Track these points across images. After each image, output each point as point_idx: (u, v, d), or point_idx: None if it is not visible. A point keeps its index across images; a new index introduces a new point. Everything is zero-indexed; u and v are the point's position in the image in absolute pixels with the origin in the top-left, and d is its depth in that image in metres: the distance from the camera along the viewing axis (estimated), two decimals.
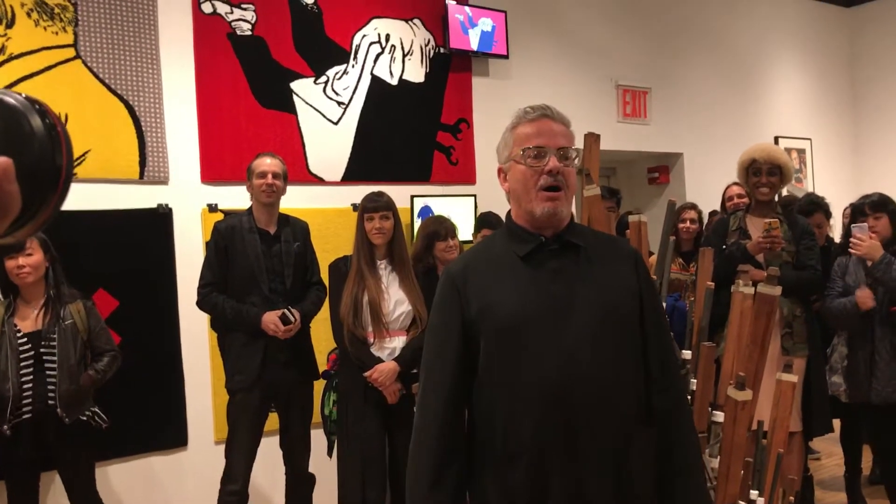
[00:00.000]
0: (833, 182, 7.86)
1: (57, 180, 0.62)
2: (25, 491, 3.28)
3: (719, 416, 2.45)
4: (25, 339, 3.19)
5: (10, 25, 3.73)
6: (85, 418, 3.29)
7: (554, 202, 1.67)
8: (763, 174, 3.84)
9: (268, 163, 3.57)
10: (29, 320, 3.25)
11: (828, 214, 4.66)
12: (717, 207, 5.25)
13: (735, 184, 4.79)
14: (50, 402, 3.18)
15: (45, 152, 0.61)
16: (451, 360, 1.68)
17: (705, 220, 5.02)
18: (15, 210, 0.58)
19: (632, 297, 1.71)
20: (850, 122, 8.38)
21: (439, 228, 3.93)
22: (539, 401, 1.60)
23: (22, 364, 3.15)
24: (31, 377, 3.17)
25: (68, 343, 3.24)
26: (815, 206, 4.58)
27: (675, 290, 4.34)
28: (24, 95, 0.62)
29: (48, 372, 3.20)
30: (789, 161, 3.95)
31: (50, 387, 3.19)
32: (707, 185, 6.23)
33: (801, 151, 7.77)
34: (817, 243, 3.93)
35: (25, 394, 3.14)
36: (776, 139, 7.42)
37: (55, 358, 3.20)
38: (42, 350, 3.20)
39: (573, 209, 2.21)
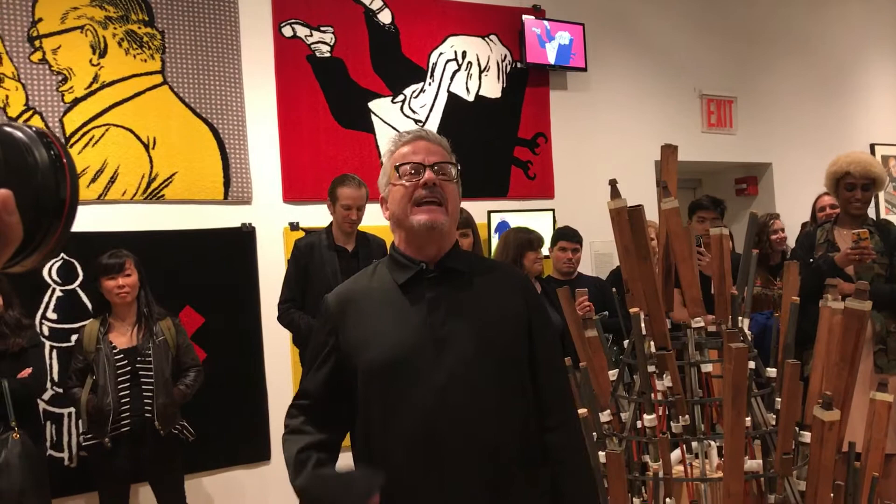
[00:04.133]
0: None
1: (61, 211, 0.64)
2: (117, 501, 3.40)
3: (806, 437, 2.34)
4: (122, 356, 3.33)
5: (102, 55, 3.91)
6: (176, 431, 3.41)
7: (430, 214, 1.59)
8: (858, 189, 3.67)
9: (354, 196, 3.60)
10: (124, 337, 3.39)
11: None
12: (808, 218, 5.05)
13: (826, 194, 4.59)
14: (147, 414, 3.31)
15: (48, 184, 0.63)
16: (321, 383, 1.66)
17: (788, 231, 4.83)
18: (16, 240, 0.61)
19: (517, 328, 1.63)
20: None
21: (532, 238, 3.85)
22: (411, 441, 1.53)
23: (119, 379, 3.29)
24: (128, 391, 3.31)
25: (162, 358, 3.37)
26: None
27: (759, 306, 4.17)
28: (34, 129, 0.65)
29: (144, 386, 3.33)
30: (883, 171, 3.76)
31: (146, 400, 3.32)
32: (797, 195, 6.01)
33: None
34: None
35: (123, 407, 3.28)
36: (871, 147, 7.10)
37: (151, 373, 3.34)
38: (138, 365, 3.34)
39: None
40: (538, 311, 1.70)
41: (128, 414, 3.29)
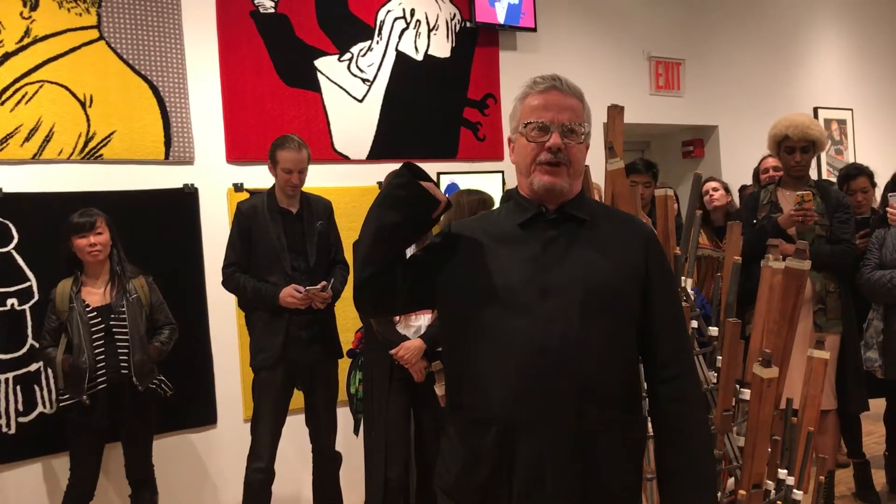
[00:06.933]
0: (876, 154, 7.61)
1: None
2: (90, 461, 3.39)
3: (746, 394, 2.39)
4: (95, 314, 3.33)
5: (34, 8, 3.74)
6: (153, 386, 3.45)
7: (552, 176, 1.64)
8: (797, 152, 3.72)
9: (294, 159, 3.50)
10: (97, 295, 3.38)
11: (873, 182, 4.46)
12: (750, 181, 5.12)
13: (771, 156, 4.65)
14: (123, 371, 3.32)
15: None
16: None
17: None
18: None
19: (632, 278, 1.64)
20: (895, 92, 8.11)
21: (484, 198, 3.83)
22: (509, 371, 1.57)
23: (94, 337, 3.29)
24: (103, 349, 3.31)
25: (136, 315, 3.39)
26: (859, 170, 4.40)
27: (705, 269, 4.23)
28: None
29: (119, 343, 3.34)
30: (822, 133, 3.82)
31: (122, 357, 3.33)
32: (743, 158, 6.09)
33: (841, 122, 7.55)
34: (852, 216, 3.80)
35: (99, 365, 3.28)
36: (815, 110, 7.21)
37: (126, 330, 3.35)
38: (112, 323, 3.34)
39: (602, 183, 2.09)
40: (659, 266, 1.70)
41: (104, 371, 3.29)
